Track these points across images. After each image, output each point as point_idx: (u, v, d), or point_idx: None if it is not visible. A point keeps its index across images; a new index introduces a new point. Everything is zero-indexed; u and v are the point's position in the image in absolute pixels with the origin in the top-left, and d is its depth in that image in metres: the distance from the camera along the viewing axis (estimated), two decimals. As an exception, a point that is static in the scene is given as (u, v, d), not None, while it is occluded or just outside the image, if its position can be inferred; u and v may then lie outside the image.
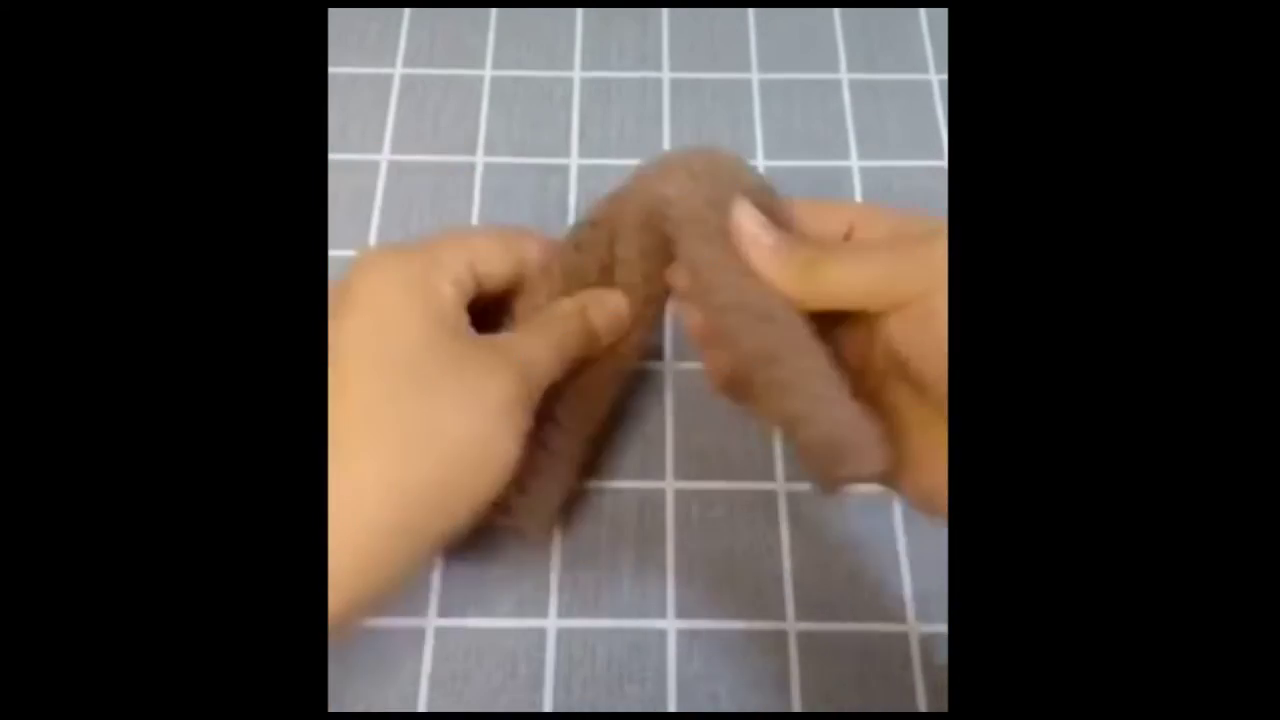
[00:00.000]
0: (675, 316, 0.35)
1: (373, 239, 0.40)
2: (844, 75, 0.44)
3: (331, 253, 0.39)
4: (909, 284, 0.24)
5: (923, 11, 0.46)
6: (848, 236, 0.28)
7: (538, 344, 0.29)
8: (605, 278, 0.31)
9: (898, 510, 0.34)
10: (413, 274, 0.27)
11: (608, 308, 0.31)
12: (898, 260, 0.25)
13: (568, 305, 0.30)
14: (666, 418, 0.36)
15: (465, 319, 0.28)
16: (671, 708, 0.31)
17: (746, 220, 0.27)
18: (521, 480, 0.29)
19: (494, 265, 0.30)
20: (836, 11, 0.46)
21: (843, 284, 0.26)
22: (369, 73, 0.44)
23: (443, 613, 0.33)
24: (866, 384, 0.27)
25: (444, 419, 0.26)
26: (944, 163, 0.42)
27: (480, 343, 0.28)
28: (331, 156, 0.41)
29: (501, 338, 0.29)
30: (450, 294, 0.28)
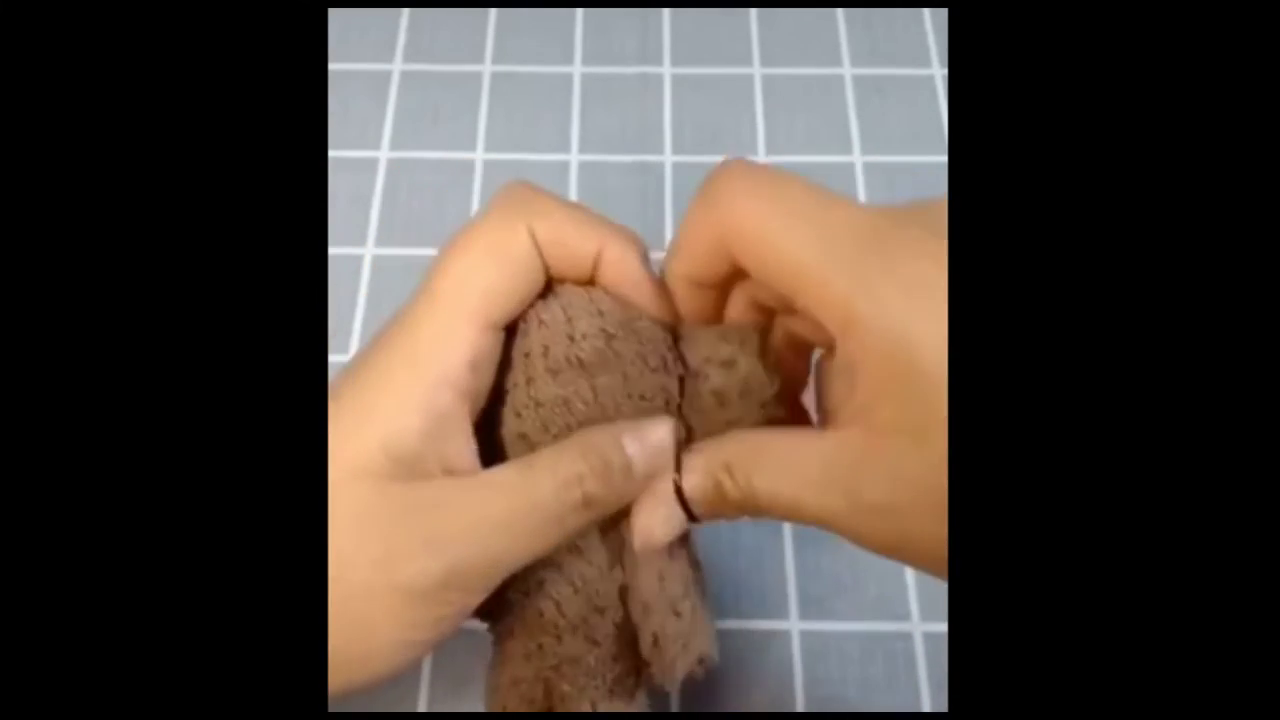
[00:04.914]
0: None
1: (372, 236, 0.39)
2: (847, 70, 0.44)
3: (331, 250, 0.38)
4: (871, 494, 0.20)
5: (926, 9, 0.46)
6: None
7: (496, 514, 0.22)
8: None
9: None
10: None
11: (649, 442, 0.23)
12: (851, 465, 0.20)
13: (576, 448, 0.22)
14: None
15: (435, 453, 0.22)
16: (674, 708, 0.31)
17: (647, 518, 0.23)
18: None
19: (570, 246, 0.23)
20: (840, 10, 0.46)
21: (775, 499, 0.21)
22: (368, 69, 0.43)
23: (443, 612, 0.32)
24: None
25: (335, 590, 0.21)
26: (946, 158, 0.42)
27: (412, 504, 0.21)
28: (330, 153, 0.41)
29: (451, 492, 0.22)
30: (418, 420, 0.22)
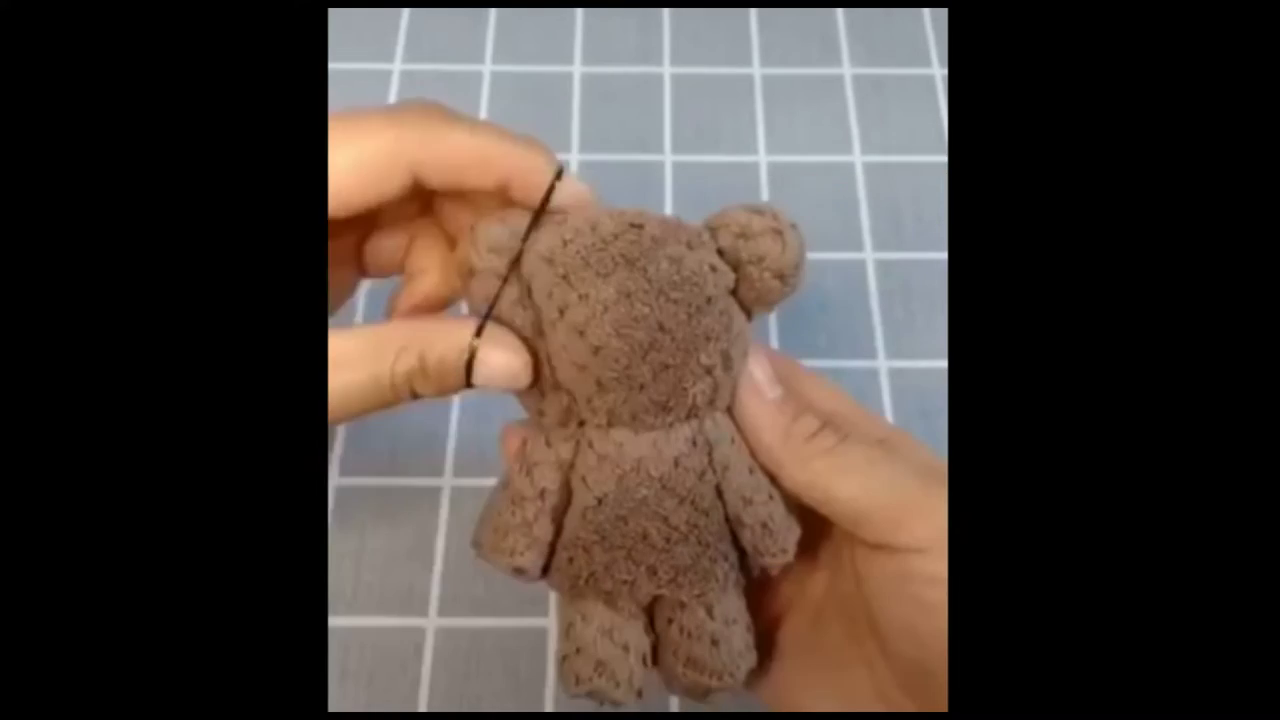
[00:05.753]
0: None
1: (372, 236, 0.39)
2: (847, 70, 0.44)
3: (330, 250, 0.38)
4: (913, 527, 0.22)
5: (926, 9, 0.46)
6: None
7: (346, 344, 0.23)
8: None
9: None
10: None
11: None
12: (914, 494, 0.22)
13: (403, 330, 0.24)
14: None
15: None
16: (674, 708, 0.31)
17: (759, 368, 0.25)
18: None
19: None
20: (840, 10, 0.46)
21: (850, 495, 0.23)
22: (368, 68, 0.43)
23: (443, 613, 0.33)
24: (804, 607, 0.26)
25: None
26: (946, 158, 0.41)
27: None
28: (330, 153, 0.41)
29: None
30: None
